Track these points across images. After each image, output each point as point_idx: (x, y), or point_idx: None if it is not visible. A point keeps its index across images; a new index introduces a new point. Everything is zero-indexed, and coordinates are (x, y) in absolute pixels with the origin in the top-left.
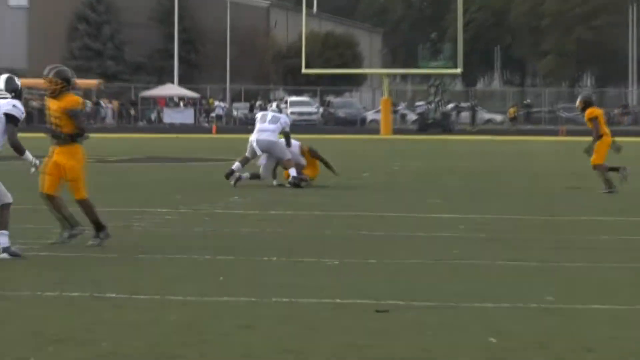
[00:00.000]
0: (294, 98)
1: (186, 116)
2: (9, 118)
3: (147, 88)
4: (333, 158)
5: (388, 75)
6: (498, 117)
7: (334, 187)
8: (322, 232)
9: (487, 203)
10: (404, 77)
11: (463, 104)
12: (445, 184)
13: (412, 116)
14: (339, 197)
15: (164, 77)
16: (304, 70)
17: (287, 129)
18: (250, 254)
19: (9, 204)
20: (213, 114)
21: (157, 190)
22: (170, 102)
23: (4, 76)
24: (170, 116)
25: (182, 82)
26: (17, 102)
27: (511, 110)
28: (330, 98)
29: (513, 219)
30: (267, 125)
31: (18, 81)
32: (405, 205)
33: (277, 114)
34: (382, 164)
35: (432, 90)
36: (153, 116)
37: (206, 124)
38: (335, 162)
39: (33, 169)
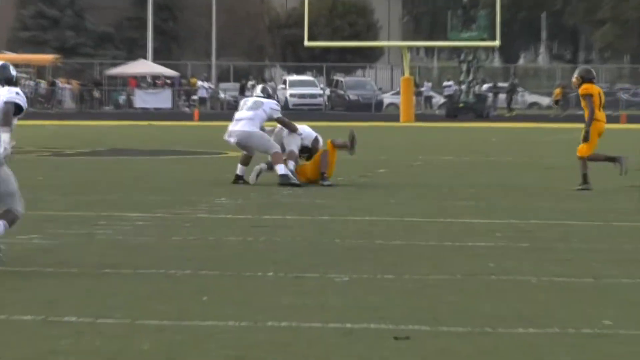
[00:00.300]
0: (294, 77)
1: (162, 99)
2: (11, 106)
3: (115, 65)
4: (340, 151)
5: (410, 48)
6: (544, 100)
7: (344, 185)
8: (328, 240)
9: (530, 205)
10: (429, 51)
11: (502, 84)
12: (478, 182)
13: (439, 99)
14: (350, 197)
15: (135, 51)
16: (306, 43)
17: (276, 115)
18: (241, 268)
19: None
20: (195, 97)
21: (127, 189)
22: (143, 82)
23: None
24: (142, 99)
25: (158, 58)
26: (19, 91)
27: (557, 91)
28: (339, 77)
29: (561, 225)
30: (243, 113)
31: (13, 70)
32: (430, 208)
33: (261, 99)
34: (401, 158)
35: (464, 67)
36: (122, 99)
37: (187, 109)
38: (343, 156)
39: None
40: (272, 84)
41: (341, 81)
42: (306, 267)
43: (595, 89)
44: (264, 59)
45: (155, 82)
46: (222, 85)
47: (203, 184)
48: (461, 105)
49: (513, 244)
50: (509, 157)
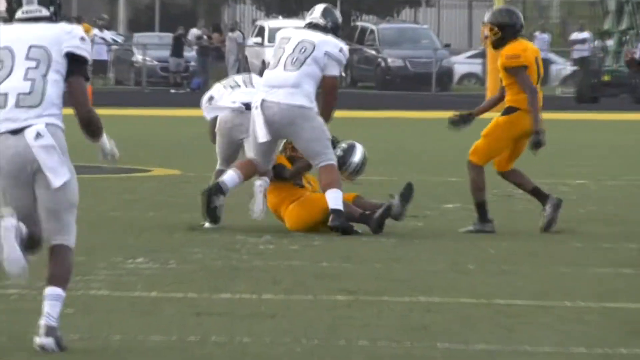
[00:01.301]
0: (279, 22)
1: None
2: (74, 61)
3: None
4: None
5: None
6: None
7: (377, 235)
8: (345, 343)
9: None
10: None
11: None
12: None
13: (562, 67)
14: (388, 258)
15: None
16: None
17: (334, 72)
18: None
19: None
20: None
21: None
22: None
23: None
24: None
25: None
26: (84, 35)
27: None
28: (368, 24)
29: None
30: (280, 74)
31: None
32: (546, 280)
33: (314, 36)
34: (489, 180)
35: (612, 5)
36: None
37: None
38: (378, 178)
39: (108, 156)
40: (237, 34)
41: (372, 31)
42: None
43: (530, 51)
44: None
45: None
46: (138, 36)
47: (102, 230)
48: (606, 78)
49: None
50: None
